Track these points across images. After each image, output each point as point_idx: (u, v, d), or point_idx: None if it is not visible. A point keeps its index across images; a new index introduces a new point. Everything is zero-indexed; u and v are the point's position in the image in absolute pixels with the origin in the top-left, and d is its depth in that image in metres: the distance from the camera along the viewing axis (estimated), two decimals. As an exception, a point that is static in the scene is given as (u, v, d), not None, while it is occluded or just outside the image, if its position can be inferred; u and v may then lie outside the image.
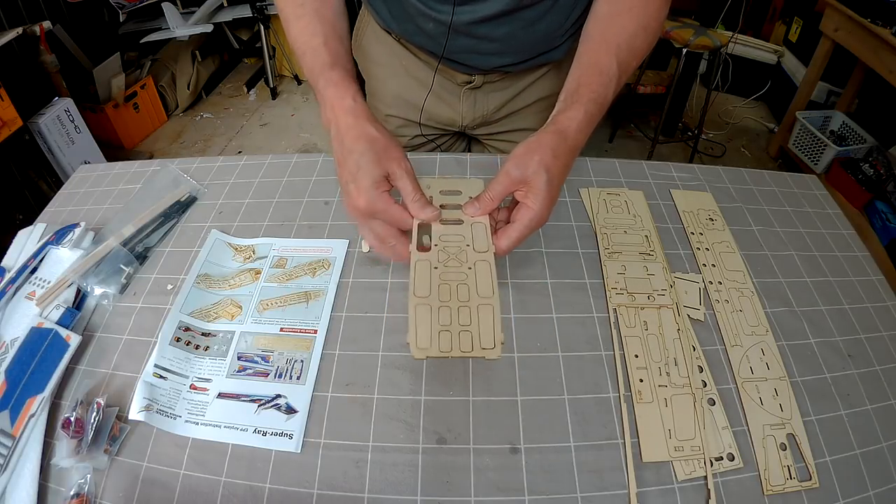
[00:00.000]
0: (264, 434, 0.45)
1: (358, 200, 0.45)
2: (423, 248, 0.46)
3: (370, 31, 0.74)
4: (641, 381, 0.49)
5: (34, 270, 0.58)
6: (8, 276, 0.57)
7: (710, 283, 0.58)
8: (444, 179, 0.52)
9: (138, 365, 0.50)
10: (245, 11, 2.49)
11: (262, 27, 2.54)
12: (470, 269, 0.44)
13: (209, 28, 2.40)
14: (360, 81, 0.61)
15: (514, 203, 0.47)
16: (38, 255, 0.59)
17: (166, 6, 2.29)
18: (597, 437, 0.45)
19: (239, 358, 0.51)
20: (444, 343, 0.40)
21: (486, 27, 0.59)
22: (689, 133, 2.40)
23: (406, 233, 0.46)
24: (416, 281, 0.43)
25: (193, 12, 2.37)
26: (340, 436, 0.45)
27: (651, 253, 0.60)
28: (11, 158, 1.75)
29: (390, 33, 0.70)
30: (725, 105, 2.67)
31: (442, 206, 0.49)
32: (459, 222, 0.48)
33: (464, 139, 0.86)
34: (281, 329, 0.53)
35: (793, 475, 0.44)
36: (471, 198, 0.50)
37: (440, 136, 0.82)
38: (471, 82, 0.70)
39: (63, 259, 0.58)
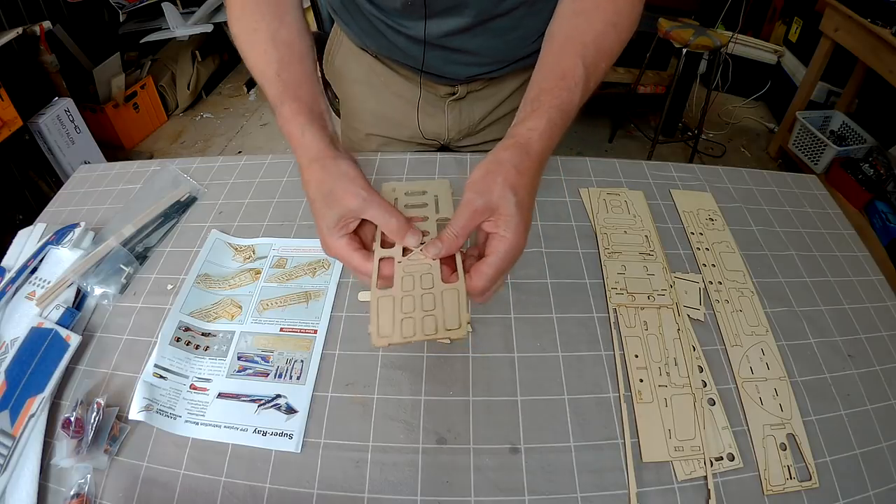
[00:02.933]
0: (264, 434, 0.45)
1: (323, 247, 0.42)
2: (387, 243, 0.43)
3: (345, 49, 0.72)
4: (641, 381, 0.49)
5: (34, 270, 0.58)
6: (8, 276, 0.57)
7: (710, 283, 0.58)
8: (408, 183, 0.49)
9: (138, 365, 0.50)
10: (245, 11, 2.48)
11: (262, 27, 2.53)
12: (434, 259, 0.41)
13: (209, 28, 2.40)
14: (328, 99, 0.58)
15: (485, 235, 0.40)
16: (38, 255, 0.59)
17: (166, 6, 2.29)
18: (597, 437, 0.45)
19: (239, 358, 0.51)
20: (406, 329, 0.37)
21: (458, 39, 0.58)
22: (689, 133, 2.40)
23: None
24: (381, 276, 0.40)
25: (193, 12, 2.37)
26: (340, 436, 0.46)
27: (651, 253, 0.60)
28: (11, 158, 1.75)
29: (366, 50, 0.69)
30: (725, 105, 2.67)
31: (406, 206, 0.47)
32: (425, 219, 0.45)
33: (447, 153, 0.84)
34: (281, 329, 0.53)
35: (793, 475, 0.44)
36: (439, 222, 0.46)
37: (424, 153, 0.81)
38: (454, 93, 0.69)
39: (63, 259, 0.58)
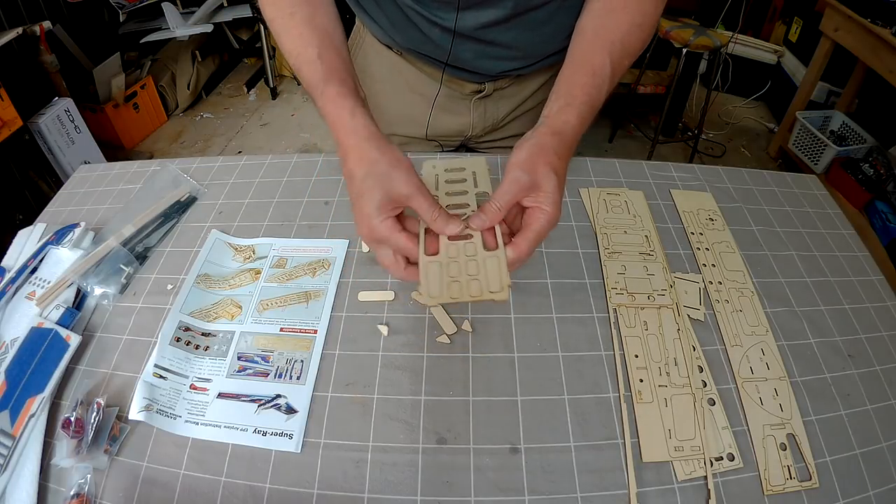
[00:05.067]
0: (264, 434, 0.45)
1: (361, 227, 0.42)
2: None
3: (367, 46, 0.72)
4: (641, 381, 0.49)
5: (34, 270, 0.58)
6: (8, 276, 0.57)
7: (710, 283, 0.58)
8: (447, 160, 0.53)
9: (138, 365, 0.50)
10: (245, 11, 2.49)
11: (262, 27, 2.54)
12: (479, 230, 0.44)
13: (209, 28, 2.40)
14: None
15: (521, 208, 0.44)
16: (38, 255, 0.59)
17: (166, 6, 2.29)
18: (597, 437, 0.45)
19: (239, 358, 0.51)
20: (453, 291, 0.41)
21: (493, 31, 0.58)
22: (689, 133, 2.40)
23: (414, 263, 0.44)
24: (426, 242, 0.44)
25: (193, 12, 2.37)
26: (340, 436, 0.46)
27: (651, 253, 0.60)
28: (11, 158, 1.75)
29: (391, 48, 0.69)
30: (725, 105, 2.67)
31: (447, 182, 0.51)
32: (465, 192, 0.49)
33: (470, 152, 0.85)
34: (281, 329, 0.53)
35: (793, 475, 0.44)
36: (478, 196, 0.49)
37: (446, 152, 0.81)
38: (481, 91, 0.69)
39: (63, 259, 0.58)
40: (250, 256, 0.61)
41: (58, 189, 0.74)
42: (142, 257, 0.61)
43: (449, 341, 0.51)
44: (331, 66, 0.48)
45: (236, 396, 0.48)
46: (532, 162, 0.42)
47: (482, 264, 0.42)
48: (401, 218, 0.44)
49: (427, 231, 0.44)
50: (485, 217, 0.43)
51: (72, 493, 0.42)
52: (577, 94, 0.47)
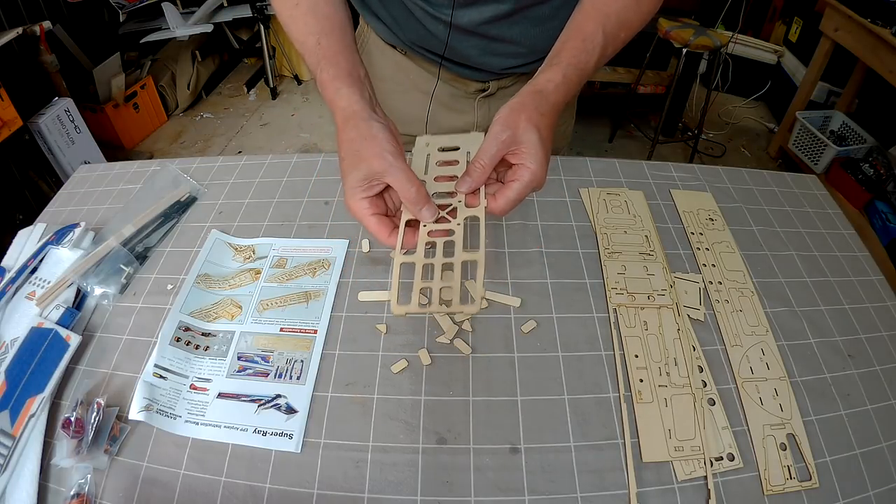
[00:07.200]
0: (264, 434, 0.45)
1: (345, 206, 0.44)
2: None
3: (372, 46, 0.72)
4: (641, 381, 0.49)
5: (34, 270, 0.58)
6: (8, 276, 0.57)
7: (710, 283, 0.58)
8: (442, 136, 0.51)
9: (138, 365, 0.50)
10: (245, 11, 2.49)
11: (262, 27, 2.54)
12: (459, 224, 0.43)
13: (209, 28, 2.40)
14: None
15: (507, 166, 0.44)
16: (38, 255, 0.59)
17: (166, 6, 2.29)
18: (597, 437, 0.45)
19: (239, 358, 0.51)
20: (423, 300, 0.40)
21: (497, 27, 0.59)
22: (689, 133, 2.40)
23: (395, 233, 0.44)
24: (404, 237, 0.42)
25: (193, 12, 2.37)
26: (340, 436, 0.46)
27: (651, 253, 0.60)
28: (11, 158, 1.75)
29: (395, 48, 0.69)
30: (725, 105, 2.67)
31: (438, 164, 0.49)
32: (455, 178, 0.47)
33: None
34: (281, 329, 0.53)
35: (793, 475, 0.44)
36: (468, 154, 0.48)
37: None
38: (485, 90, 0.69)
39: (63, 259, 0.58)
40: (250, 256, 0.61)
41: (58, 189, 0.74)
42: (142, 257, 0.61)
43: (449, 341, 0.51)
44: (326, 51, 0.48)
45: (236, 396, 0.48)
46: (513, 118, 0.42)
47: (458, 270, 0.41)
48: (386, 195, 0.44)
49: (406, 223, 0.43)
50: (470, 179, 0.43)
51: (72, 493, 0.42)
52: (563, 57, 0.47)
